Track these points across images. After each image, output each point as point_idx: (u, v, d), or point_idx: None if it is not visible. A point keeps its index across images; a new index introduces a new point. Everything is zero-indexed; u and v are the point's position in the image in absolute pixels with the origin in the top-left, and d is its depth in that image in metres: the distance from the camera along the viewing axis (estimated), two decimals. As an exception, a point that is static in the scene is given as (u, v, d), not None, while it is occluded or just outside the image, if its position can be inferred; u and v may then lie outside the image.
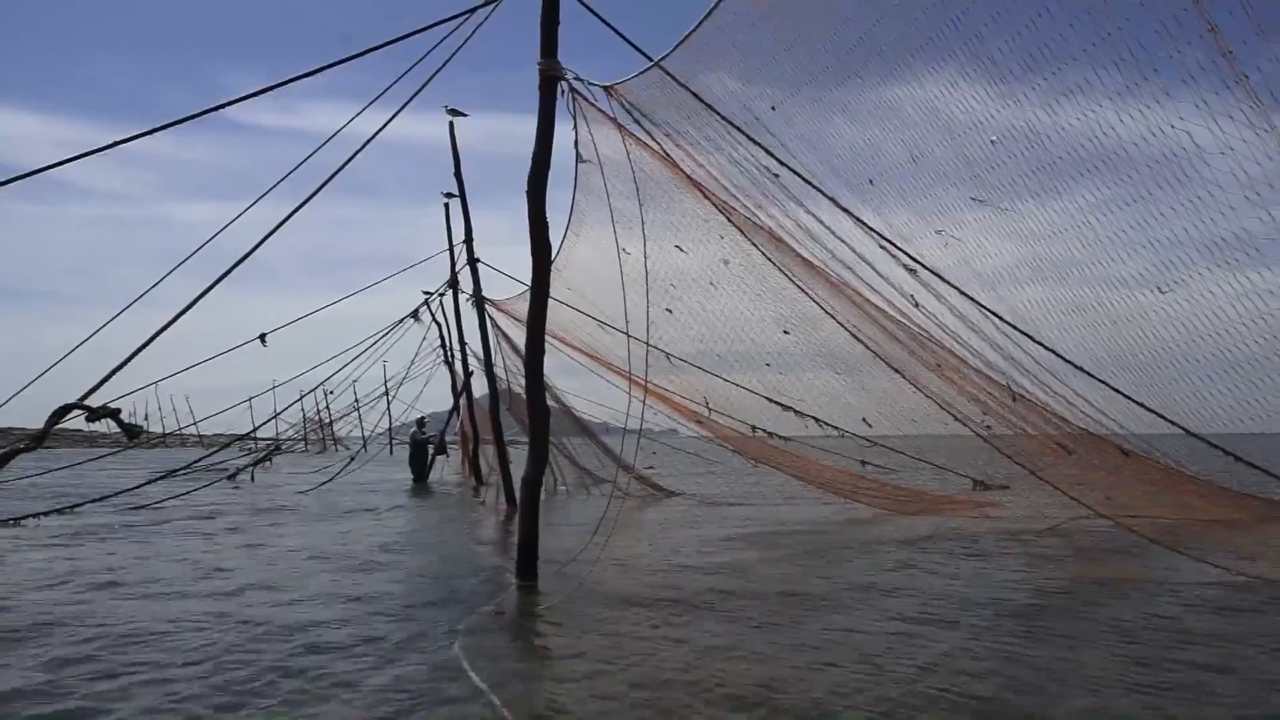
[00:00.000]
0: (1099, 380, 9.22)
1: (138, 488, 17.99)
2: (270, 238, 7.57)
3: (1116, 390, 9.19)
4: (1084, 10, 6.15)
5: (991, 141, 7.42)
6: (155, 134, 7.59)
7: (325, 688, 5.50)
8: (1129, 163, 6.63)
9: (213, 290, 7.52)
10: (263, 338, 14.73)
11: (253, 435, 32.99)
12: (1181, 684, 5.50)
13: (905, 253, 8.95)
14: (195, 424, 52.72)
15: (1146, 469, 11.71)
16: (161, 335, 6.99)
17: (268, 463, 28.29)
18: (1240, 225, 6.29)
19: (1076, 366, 9.08)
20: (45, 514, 15.64)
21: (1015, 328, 8.89)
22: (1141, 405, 9.25)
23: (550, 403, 12.47)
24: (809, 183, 8.79)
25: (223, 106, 8.13)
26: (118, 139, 7.43)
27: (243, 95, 8.28)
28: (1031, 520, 13.60)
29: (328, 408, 51.51)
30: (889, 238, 8.95)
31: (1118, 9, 6.01)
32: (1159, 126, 6.25)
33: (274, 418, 28.67)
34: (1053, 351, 8.78)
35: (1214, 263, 6.71)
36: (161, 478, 18.55)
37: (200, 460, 24.49)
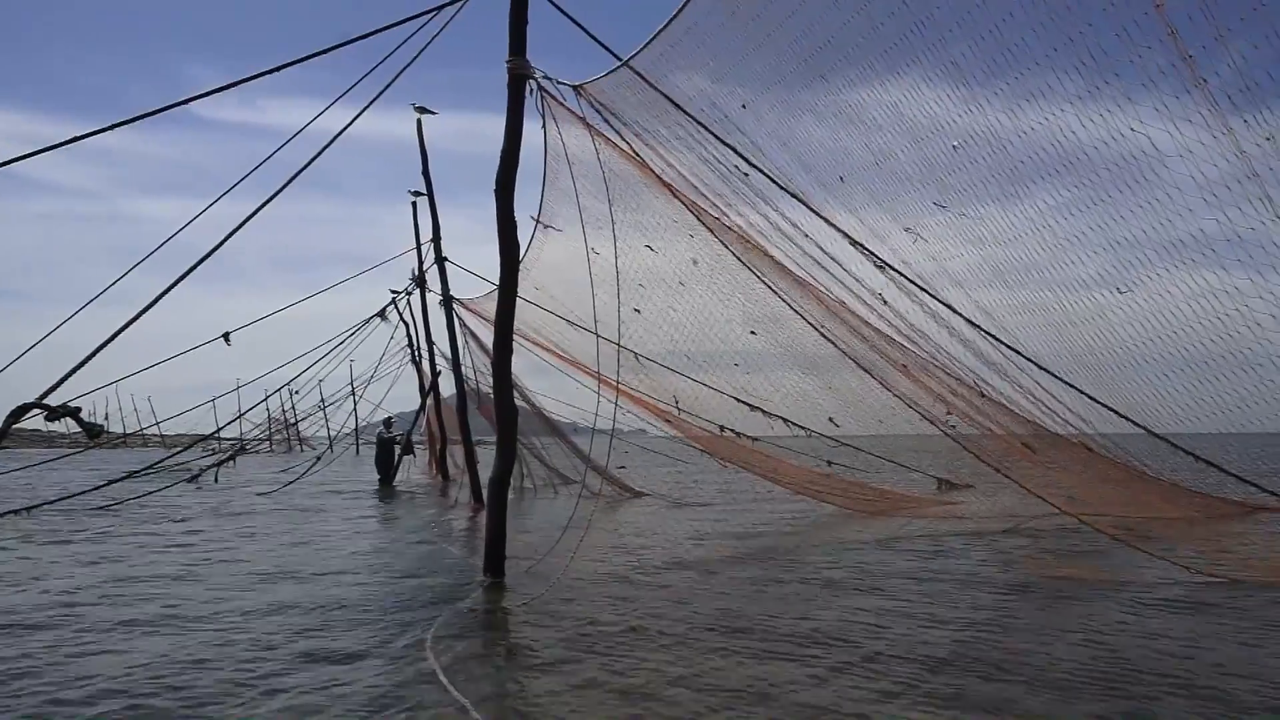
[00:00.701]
0: (1062, 380, 9.37)
1: (98, 488, 17.72)
2: (234, 234, 7.50)
3: (1079, 390, 9.34)
4: (1046, 15, 6.23)
5: (954, 146, 7.51)
6: (118, 129, 7.49)
7: (289, 693, 5.44)
8: (1090, 166, 6.74)
9: (175, 288, 7.45)
10: (226, 336, 14.58)
11: (216, 435, 32.58)
12: (1142, 680, 5.59)
13: (874, 254, 9.03)
14: (157, 424, 52.07)
15: (1109, 468, 11.91)
16: (123, 333, 6.91)
17: (231, 463, 27.94)
18: (1198, 226, 6.42)
19: (1040, 366, 9.22)
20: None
21: (980, 328, 9.01)
22: (1104, 405, 9.41)
23: (518, 402, 12.45)
24: (776, 183, 8.84)
25: (187, 102, 8.05)
26: (79, 134, 7.33)
27: (207, 90, 8.21)
28: (995, 519, 13.75)
29: (293, 407, 51.12)
30: (858, 239, 9.03)
31: (1080, 14, 6.11)
32: (1119, 130, 6.37)
33: (238, 417, 28.44)
34: (1017, 351, 8.91)
35: (1172, 263, 6.86)
36: (123, 478, 18.30)
37: (162, 461, 24.17)
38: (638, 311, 12.65)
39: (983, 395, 10.47)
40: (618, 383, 10.07)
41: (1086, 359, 8.72)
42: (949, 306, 9.10)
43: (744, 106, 8.82)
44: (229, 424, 32.23)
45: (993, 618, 7.41)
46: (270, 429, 51.17)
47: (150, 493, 19.08)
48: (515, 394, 10.61)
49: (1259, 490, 13.40)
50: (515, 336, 9.79)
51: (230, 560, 10.71)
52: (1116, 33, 5.96)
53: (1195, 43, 5.68)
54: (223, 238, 7.59)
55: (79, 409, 6.57)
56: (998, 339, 9.12)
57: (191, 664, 6.02)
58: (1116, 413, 9.43)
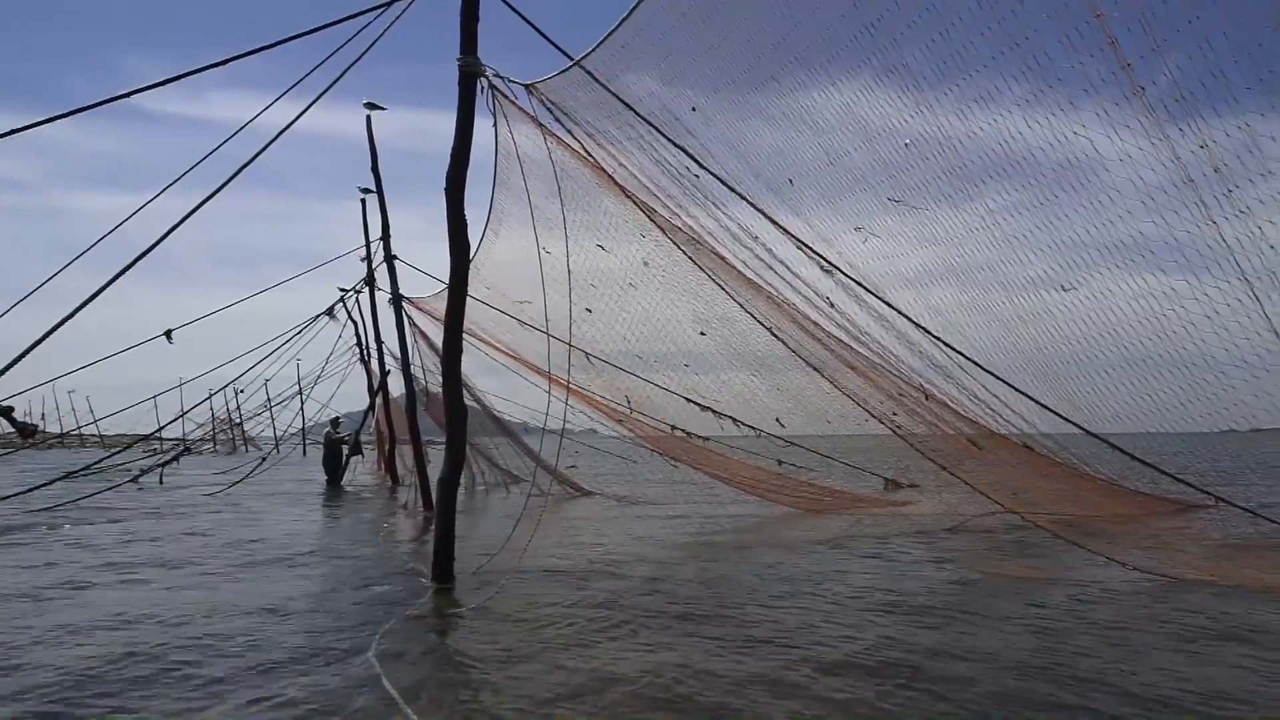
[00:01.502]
0: (1006, 383, 9.55)
1: (31, 490, 17.23)
2: (176, 229, 7.31)
3: (1022, 392, 9.53)
4: (993, 20, 6.35)
5: (905, 144, 7.62)
6: (55, 121, 7.28)
7: (230, 700, 5.34)
8: (1035, 167, 6.89)
9: (115, 284, 7.27)
10: (168, 334, 14.27)
11: (158, 435, 31.86)
12: (1078, 675, 5.71)
13: (821, 256, 9.12)
14: (96, 423, 50.65)
15: (1051, 466, 12.18)
16: (59, 330, 6.72)
17: (175, 464, 27.35)
18: (1137, 229, 6.59)
19: (984, 369, 9.38)
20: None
21: (926, 331, 9.14)
22: (1045, 406, 9.60)
23: (469, 402, 12.35)
24: (726, 185, 8.89)
25: (132, 94, 7.86)
26: (14, 127, 7.12)
27: (153, 83, 8.00)
28: (941, 518, 13.97)
29: (238, 407, 50.17)
30: (806, 241, 9.11)
31: (1025, 20, 6.24)
32: (1063, 134, 6.51)
33: (180, 416, 27.84)
34: (960, 353, 9.05)
35: (1113, 264, 7.03)
36: (60, 479, 17.81)
37: (101, 461, 23.57)
38: (589, 311, 12.64)
39: (928, 396, 10.64)
40: (568, 382, 10.05)
41: (1032, 356, 8.91)
42: (896, 309, 9.22)
43: (694, 109, 8.85)
44: (171, 423, 31.55)
45: (936, 612, 7.52)
46: (214, 429, 50.19)
47: (91, 494, 18.59)
48: (465, 394, 10.53)
49: (1193, 489, 13.78)
50: (466, 336, 9.72)
51: (168, 564, 10.48)
52: (1059, 40, 6.10)
53: (1134, 52, 5.84)
54: (165, 231, 7.42)
55: (11, 408, 6.41)
56: (944, 341, 9.26)
57: (127, 670, 5.88)
58: (1058, 414, 9.63)
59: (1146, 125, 6.10)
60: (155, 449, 35.16)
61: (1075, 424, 9.98)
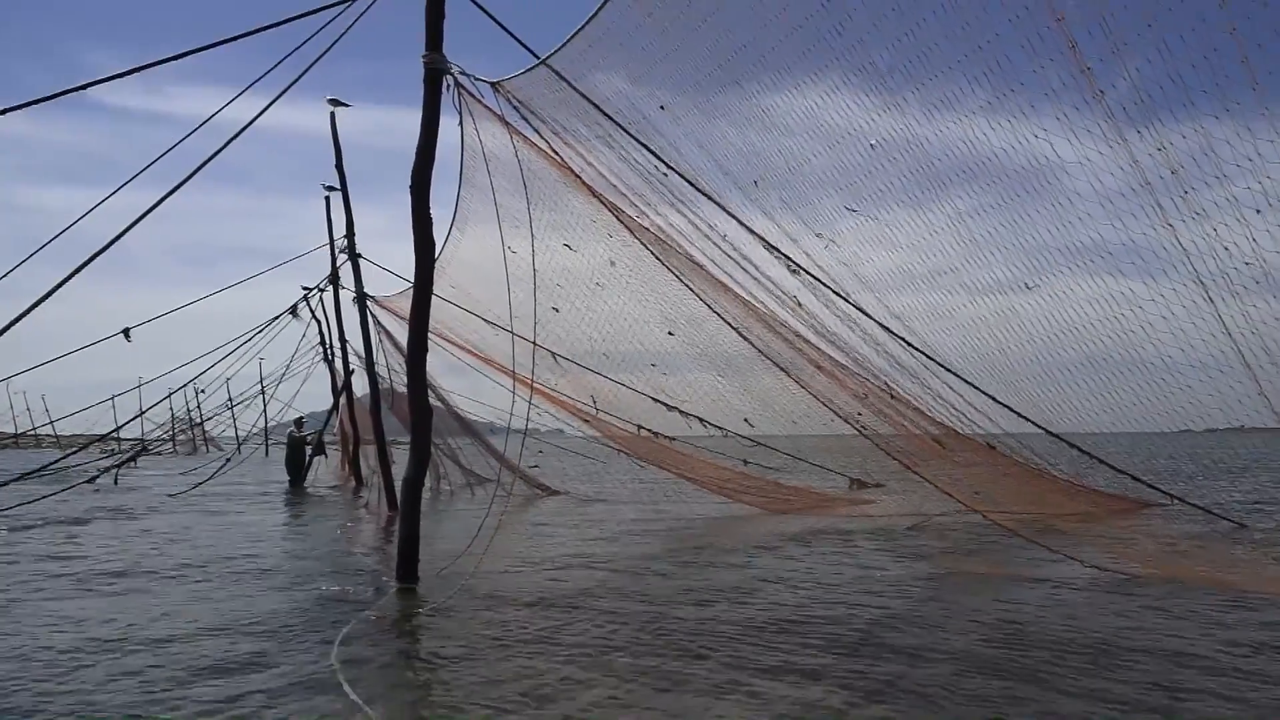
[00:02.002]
0: (969, 383, 9.67)
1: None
2: (135, 225, 7.22)
3: (985, 393, 9.65)
4: (958, 24, 6.42)
5: (871, 145, 7.68)
6: (9, 114, 7.13)
7: (188, 703, 5.26)
8: (999, 171, 6.97)
9: (72, 280, 7.14)
10: (126, 332, 14.05)
11: (115, 435, 31.31)
12: (1033, 671, 5.79)
13: (787, 257, 9.17)
14: (51, 423, 49.65)
15: (1013, 466, 12.33)
16: (14, 328, 6.58)
17: (132, 464, 26.87)
18: (1097, 232, 6.69)
19: (947, 369, 9.48)
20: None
21: (890, 331, 9.22)
22: (1007, 406, 9.74)
23: (433, 402, 12.27)
24: (694, 185, 8.91)
25: (88, 86, 7.70)
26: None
27: (110, 75, 7.87)
28: (905, 517, 14.10)
29: (198, 407, 49.38)
30: (773, 242, 9.16)
31: (987, 23, 6.30)
32: (1025, 137, 6.59)
33: (139, 416, 27.33)
34: (925, 353, 9.14)
35: (1073, 266, 7.13)
36: (13, 480, 17.44)
37: (56, 462, 23.10)
38: (556, 310, 12.62)
39: (893, 396, 10.73)
40: (532, 380, 10.00)
41: (994, 358, 9.01)
42: (861, 310, 9.30)
43: (662, 108, 8.86)
44: (128, 423, 31.00)
45: (898, 609, 7.58)
46: (174, 429, 49.37)
47: (43, 496, 18.22)
48: (430, 394, 10.45)
49: (1150, 488, 14.05)
50: (431, 335, 9.65)
51: (128, 566, 10.30)
52: (1021, 43, 6.17)
53: (1094, 56, 5.92)
54: (124, 228, 7.29)
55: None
56: (907, 342, 9.35)
57: (85, 673, 5.76)
58: (1019, 414, 9.76)
59: (1106, 129, 6.20)
60: (113, 449, 34.54)
61: (1036, 424, 10.14)
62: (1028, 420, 10.26)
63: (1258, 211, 5.93)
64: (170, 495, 21.06)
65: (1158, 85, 5.83)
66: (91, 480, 23.60)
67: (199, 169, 7.92)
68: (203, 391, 46.14)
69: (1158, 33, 5.76)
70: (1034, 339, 8.27)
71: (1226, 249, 6.26)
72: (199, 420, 52.32)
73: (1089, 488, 13.92)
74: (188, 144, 8.45)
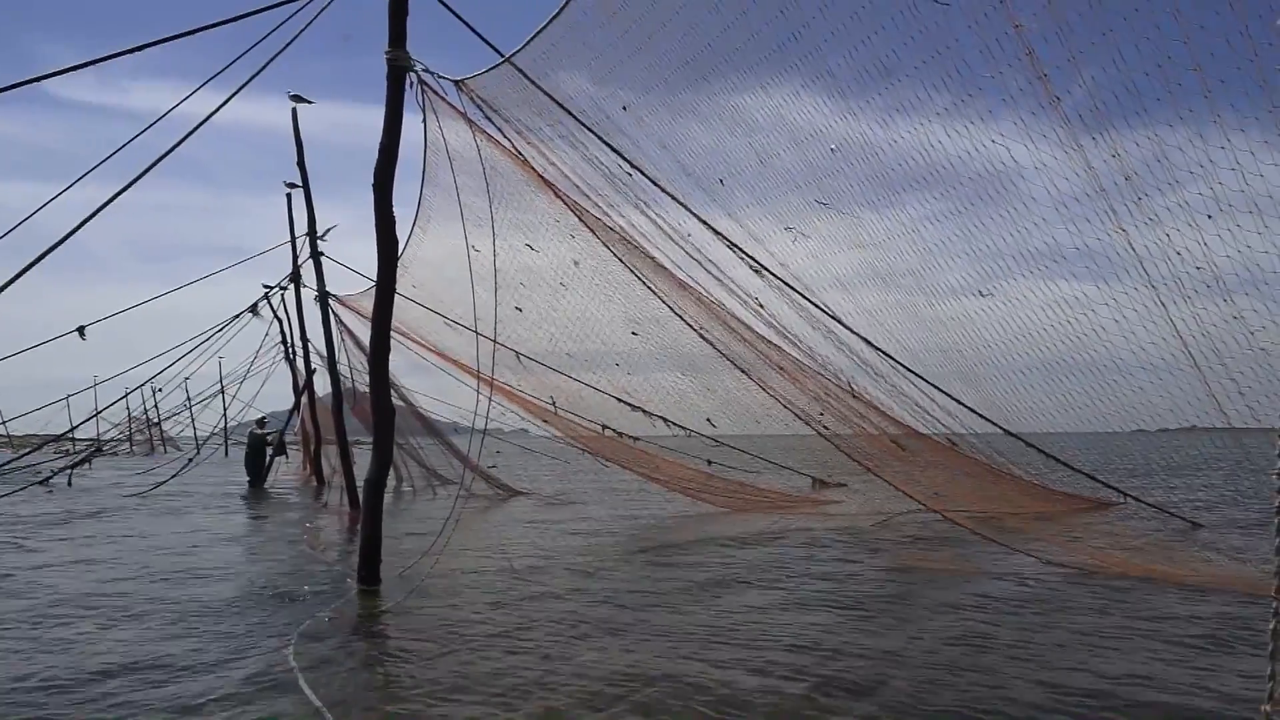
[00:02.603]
0: (931, 384, 9.79)
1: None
2: (90, 220, 7.08)
3: (945, 392, 9.78)
4: (916, 30, 6.49)
5: (831, 149, 7.74)
6: (-43, 107, 6.97)
7: (145, 704, 5.19)
8: (955, 176, 7.06)
9: (25, 276, 7.00)
10: (81, 330, 13.79)
11: (70, 436, 30.73)
12: (993, 666, 5.88)
13: (752, 258, 9.22)
14: (4, 423, 48.64)
15: (972, 465, 12.50)
16: (-39, 326, 6.44)
17: (87, 465, 26.36)
18: (1051, 236, 6.80)
19: (907, 368, 9.60)
20: None
21: (852, 330, 9.31)
22: (966, 406, 9.87)
23: (396, 402, 12.19)
24: (658, 185, 8.93)
25: (42, 79, 7.56)
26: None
27: (65, 68, 7.71)
28: (866, 515, 14.23)
29: (156, 406, 48.59)
30: (736, 241, 9.21)
31: (946, 30, 6.38)
32: (982, 143, 6.68)
33: (95, 415, 26.86)
34: (886, 353, 9.24)
35: (1028, 270, 7.24)
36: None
37: (10, 463, 22.64)
38: (519, 310, 12.59)
39: (855, 395, 10.83)
40: (492, 379, 9.97)
41: (954, 358, 9.13)
42: (824, 309, 9.37)
43: (625, 108, 8.87)
44: (84, 423, 30.39)
45: (861, 605, 7.66)
46: (130, 429, 48.52)
47: (-6, 498, 17.85)
48: (393, 393, 10.38)
49: (1104, 486, 14.32)
50: (394, 334, 9.59)
51: (84, 567, 10.13)
52: (979, 50, 6.25)
53: (1050, 63, 6.01)
54: (78, 223, 7.16)
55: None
56: (869, 341, 9.44)
57: (40, 677, 5.66)
58: (977, 413, 9.90)
59: (1062, 135, 6.30)
60: (67, 450, 33.88)
61: (994, 423, 10.29)
62: (986, 420, 10.41)
63: (1209, 217, 6.05)
64: (127, 496, 20.71)
65: (1112, 93, 5.94)
66: (44, 481, 23.13)
67: (156, 163, 7.79)
68: (160, 391, 45.27)
69: (1113, 42, 5.87)
70: (990, 344, 8.40)
71: (1178, 253, 6.39)
72: (156, 420, 51.51)
73: (1046, 487, 14.15)
74: (147, 138, 8.32)
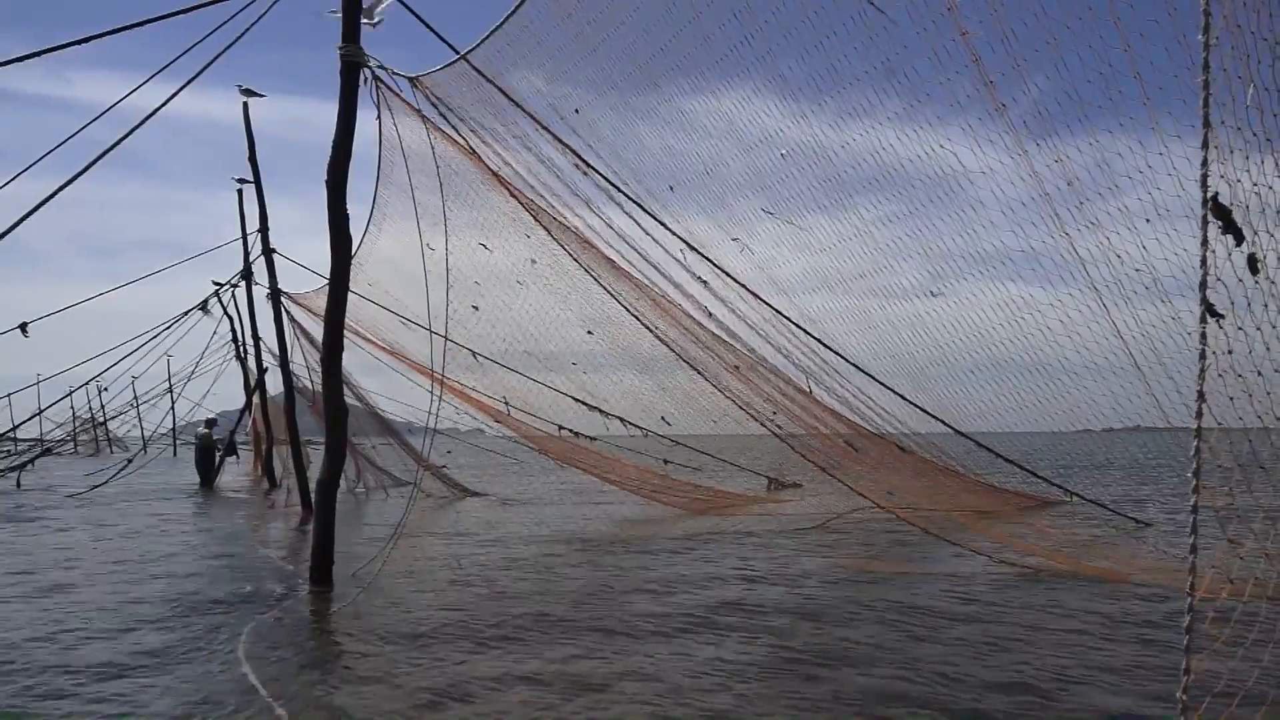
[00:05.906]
0: (880, 383, 9.92)
1: None
2: (32, 215, 6.94)
3: (895, 391, 9.92)
4: (866, 36, 6.59)
5: (782, 155, 7.83)
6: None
7: (92, 705, 5.11)
8: (906, 179, 7.18)
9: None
10: (23, 327, 13.50)
11: (12, 435, 29.97)
12: (942, 659, 5.99)
13: (708, 258, 9.28)
14: (-57, 424, 47.29)
15: (922, 464, 12.69)
16: (-102, 322, 6.28)
17: (30, 466, 25.74)
18: (999, 239, 6.95)
19: (858, 368, 9.73)
20: None
21: (805, 331, 9.42)
22: (915, 405, 10.03)
23: (350, 401, 12.08)
24: (613, 184, 8.96)
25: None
26: None
27: (9, 59, 7.54)
28: (820, 515, 14.37)
29: (102, 406, 47.55)
30: (693, 244, 9.27)
31: (895, 36, 6.49)
32: (931, 147, 6.81)
33: (37, 415, 26.25)
34: (835, 352, 9.36)
35: (977, 273, 7.39)
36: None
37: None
38: (475, 309, 12.54)
39: (808, 394, 10.95)
40: (443, 377, 9.92)
41: (904, 360, 9.28)
42: (777, 311, 9.47)
43: (577, 111, 8.89)
44: (26, 422, 29.58)
45: (811, 603, 7.75)
46: (75, 428, 47.44)
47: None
48: (347, 392, 10.29)
49: (1050, 485, 14.62)
50: (347, 333, 9.51)
51: (24, 569, 9.91)
52: (928, 56, 6.37)
53: (996, 70, 6.14)
54: (18, 218, 7.02)
55: None
56: (821, 340, 9.56)
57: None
58: (927, 413, 10.06)
59: (1008, 141, 6.44)
60: (9, 450, 33.06)
61: (944, 422, 10.46)
62: (937, 419, 10.58)
63: (1147, 221, 6.20)
64: (70, 497, 20.27)
65: (1054, 100, 6.09)
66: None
67: (100, 157, 7.66)
68: (106, 389, 44.31)
69: (1056, 50, 6.01)
70: (940, 344, 8.55)
71: (1119, 256, 6.55)
72: (102, 420, 50.38)
73: (996, 486, 14.40)
74: (92, 131, 8.18)
